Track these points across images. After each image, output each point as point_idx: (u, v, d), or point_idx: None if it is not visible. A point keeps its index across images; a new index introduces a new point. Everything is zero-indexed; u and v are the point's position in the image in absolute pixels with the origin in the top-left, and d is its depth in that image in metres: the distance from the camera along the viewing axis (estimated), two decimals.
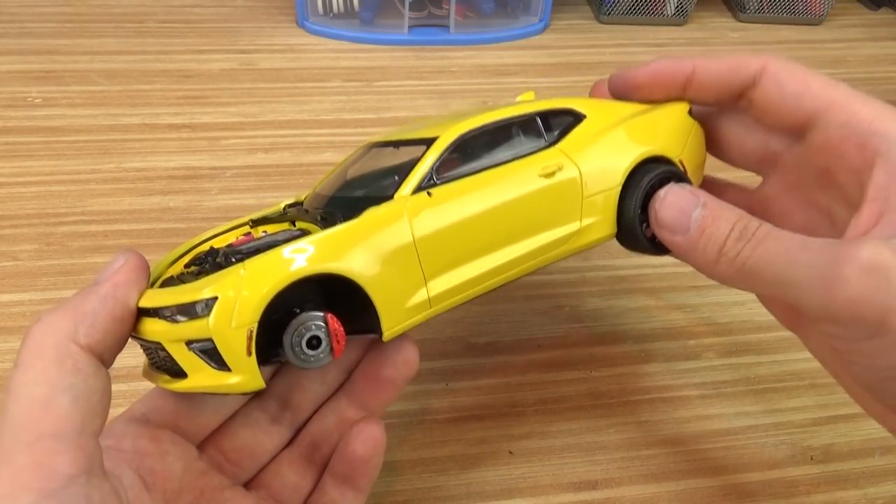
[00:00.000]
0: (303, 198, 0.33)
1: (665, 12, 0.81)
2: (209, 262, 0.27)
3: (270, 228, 0.31)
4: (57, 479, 0.20)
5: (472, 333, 0.42)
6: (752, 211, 0.30)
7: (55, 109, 0.60)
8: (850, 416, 0.38)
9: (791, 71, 0.28)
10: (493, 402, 0.39)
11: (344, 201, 0.29)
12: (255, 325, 0.23)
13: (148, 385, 0.27)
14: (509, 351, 0.41)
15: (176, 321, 0.24)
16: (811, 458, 0.36)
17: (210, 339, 0.23)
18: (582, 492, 0.34)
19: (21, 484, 0.19)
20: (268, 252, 0.24)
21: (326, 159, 0.56)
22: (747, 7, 0.83)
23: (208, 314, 0.23)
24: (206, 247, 0.30)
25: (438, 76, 0.69)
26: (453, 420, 0.38)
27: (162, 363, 0.25)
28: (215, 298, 0.23)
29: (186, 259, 0.29)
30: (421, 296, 0.26)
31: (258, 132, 0.59)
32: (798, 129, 0.29)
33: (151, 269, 0.26)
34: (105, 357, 0.23)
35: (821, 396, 0.40)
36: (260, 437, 0.29)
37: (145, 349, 0.26)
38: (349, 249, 0.24)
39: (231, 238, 0.31)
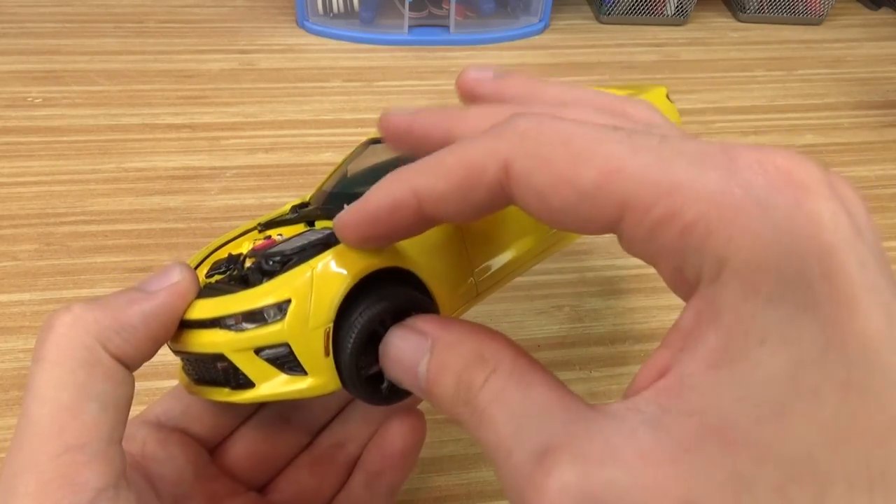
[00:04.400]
0: (307, 198, 0.32)
1: (665, 12, 0.81)
2: (237, 269, 0.26)
3: (285, 231, 0.30)
4: (85, 493, 0.19)
5: None
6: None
7: (55, 109, 0.60)
8: None
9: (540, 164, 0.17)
10: None
11: (354, 197, 0.29)
12: (332, 323, 0.22)
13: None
14: None
15: (242, 329, 0.22)
16: None
17: (285, 344, 0.22)
18: None
19: (49, 499, 0.19)
20: (332, 249, 0.23)
21: (327, 159, 0.56)
22: (747, 7, 0.83)
23: (281, 318, 0.22)
24: (223, 254, 0.29)
25: (438, 76, 0.69)
26: (453, 420, 0.37)
27: (217, 375, 0.24)
28: (288, 301, 0.22)
29: (205, 269, 0.28)
30: (469, 284, 0.27)
31: (258, 132, 0.59)
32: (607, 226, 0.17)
33: None
34: (130, 367, 0.22)
35: None
36: (274, 443, 0.28)
37: (191, 364, 0.25)
38: (406, 245, 0.25)
39: (245, 244, 0.30)
